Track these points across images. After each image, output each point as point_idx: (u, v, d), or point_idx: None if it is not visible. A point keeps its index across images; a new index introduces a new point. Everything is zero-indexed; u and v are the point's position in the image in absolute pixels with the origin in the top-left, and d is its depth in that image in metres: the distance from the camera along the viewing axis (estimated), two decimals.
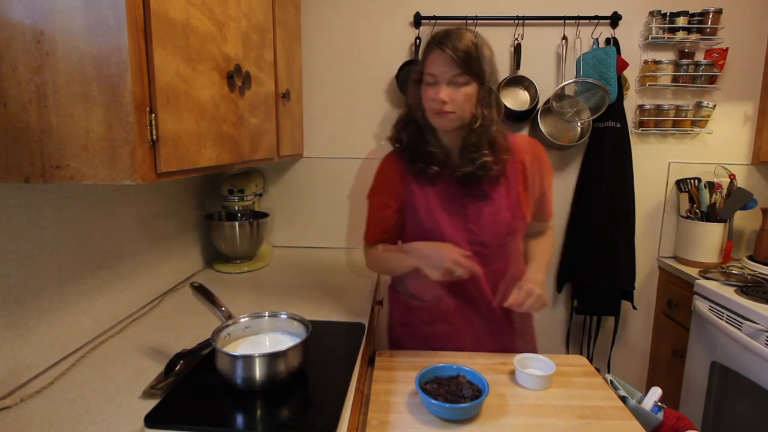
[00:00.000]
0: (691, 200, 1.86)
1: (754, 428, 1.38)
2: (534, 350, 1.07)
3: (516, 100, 1.87)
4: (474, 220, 1.04)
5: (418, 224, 1.06)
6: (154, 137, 0.73)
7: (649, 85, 1.83)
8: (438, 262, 0.92)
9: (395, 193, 1.08)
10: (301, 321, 0.92)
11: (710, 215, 1.79)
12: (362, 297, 1.38)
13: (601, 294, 1.87)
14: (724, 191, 1.80)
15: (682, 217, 1.89)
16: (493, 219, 1.04)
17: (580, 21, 1.78)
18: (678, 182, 1.90)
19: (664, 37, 1.77)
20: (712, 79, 1.81)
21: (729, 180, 1.81)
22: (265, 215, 1.80)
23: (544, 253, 1.15)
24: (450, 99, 0.93)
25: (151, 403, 0.76)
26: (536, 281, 1.00)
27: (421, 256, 0.96)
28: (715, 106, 1.81)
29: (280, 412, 0.76)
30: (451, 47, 0.91)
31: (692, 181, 1.87)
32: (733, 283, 1.58)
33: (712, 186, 1.82)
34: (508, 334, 1.14)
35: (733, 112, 1.87)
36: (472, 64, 0.92)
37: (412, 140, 1.04)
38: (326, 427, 0.71)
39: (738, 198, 1.75)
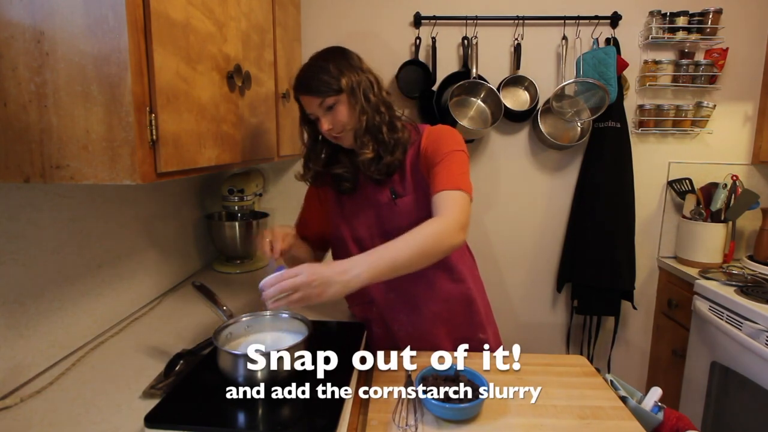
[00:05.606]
0: (697, 201, 1.86)
1: (754, 428, 1.38)
2: (496, 338, 1.19)
3: (516, 100, 1.87)
4: (386, 214, 1.08)
5: (336, 236, 1.16)
6: (154, 137, 0.72)
7: (649, 85, 1.83)
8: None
9: (321, 208, 1.16)
10: (303, 320, 0.92)
11: (714, 216, 1.79)
12: None
13: (601, 294, 1.87)
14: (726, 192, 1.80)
15: (684, 217, 1.89)
16: (403, 210, 1.07)
17: (580, 21, 1.78)
18: (670, 182, 1.90)
19: (664, 37, 1.77)
20: (712, 79, 1.81)
21: (732, 181, 1.81)
22: (265, 215, 1.80)
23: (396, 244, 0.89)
24: (332, 125, 1.00)
25: (151, 403, 0.76)
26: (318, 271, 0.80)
27: None
28: (715, 106, 1.81)
29: (280, 412, 0.76)
30: (305, 89, 0.99)
31: (686, 181, 1.88)
32: (733, 283, 1.58)
33: (733, 189, 1.77)
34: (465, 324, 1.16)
35: (733, 112, 1.87)
36: (326, 87, 0.97)
37: (322, 166, 1.11)
38: (326, 427, 0.71)
39: (746, 199, 1.75)
